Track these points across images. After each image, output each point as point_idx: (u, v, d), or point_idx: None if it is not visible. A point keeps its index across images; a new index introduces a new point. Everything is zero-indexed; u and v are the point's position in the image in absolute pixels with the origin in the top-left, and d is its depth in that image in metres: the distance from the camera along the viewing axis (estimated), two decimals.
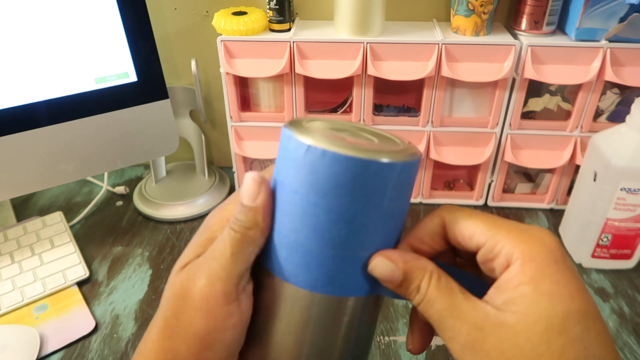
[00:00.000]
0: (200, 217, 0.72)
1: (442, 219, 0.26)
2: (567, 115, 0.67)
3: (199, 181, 0.77)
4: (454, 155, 0.69)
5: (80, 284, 0.59)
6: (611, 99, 0.66)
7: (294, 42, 0.62)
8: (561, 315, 0.22)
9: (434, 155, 0.68)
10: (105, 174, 0.76)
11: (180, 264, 0.27)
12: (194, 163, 0.80)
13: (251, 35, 0.63)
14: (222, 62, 0.63)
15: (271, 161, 0.77)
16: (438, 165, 0.71)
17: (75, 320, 0.54)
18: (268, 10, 0.64)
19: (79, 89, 0.57)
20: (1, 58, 0.52)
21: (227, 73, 0.64)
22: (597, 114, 0.66)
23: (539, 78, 0.61)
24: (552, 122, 0.66)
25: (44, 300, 0.56)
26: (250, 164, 0.76)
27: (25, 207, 0.74)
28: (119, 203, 0.75)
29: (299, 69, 0.62)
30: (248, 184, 0.25)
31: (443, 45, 0.61)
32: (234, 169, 0.74)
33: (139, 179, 0.81)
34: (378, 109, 0.70)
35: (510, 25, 0.66)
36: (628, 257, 0.60)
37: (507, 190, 0.75)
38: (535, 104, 0.67)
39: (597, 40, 0.60)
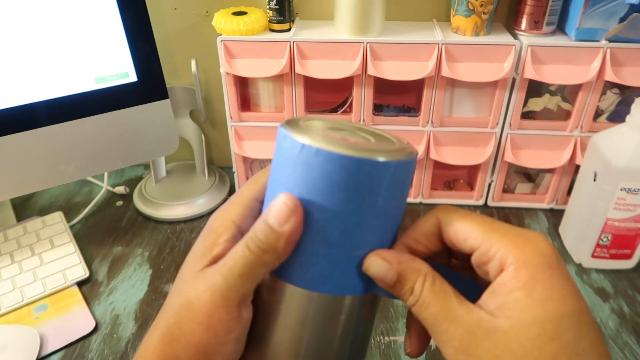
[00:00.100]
0: (200, 217, 0.72)
1: (437, 220, 0.26)
2: (567, 115, 0.67)
3: (199, 181, 0.77)
4: (454, 155, 0.69)
5: (80, 284, 0.59)
6: (611, 99, 0.66)
7: (294, 42, 0.62)
8: (554, 321, 0.22)
9: (434, 155, 0.68)
10: (105, 174, 0.76)
11: (187, 272, 0.27)
12: (194, 163, 0.80)
13: (251, 35, 0.63)
14: (222, 62, 0.63)
15: (271, 161, 0.76)
16: (438, 165, 0.71)
17: (75, 320, 0.54)
18: (268, 10, 0.64)
19: (79, 89, 0.57)
20: (1, 58, 0.52)
21: (227, 73, 0.64)
22: (597, 114, 0.66)
23: (539, 78, 0.61)
24: (552, 122, 0.66)
25: (44, 300, 0.56)
26: (250, 164, 0.76)
27: (25, 207, 0.74)
28: (119, 203, 0.75)
29: (299, 69, 0.62)
30: (279, 206, 0.24)
31: (443, 45, 0.61)
32: (234, 169, 0.74)
33: (139, 179, 0.81)
34: (378, 109, 0.70)
35: (510, 25, 0.66)
36: (628, 257, 0.60)
37: (507, 190, 0.75)
38: (535, 104, 0.67)
39: (597, 40, 0.60)
